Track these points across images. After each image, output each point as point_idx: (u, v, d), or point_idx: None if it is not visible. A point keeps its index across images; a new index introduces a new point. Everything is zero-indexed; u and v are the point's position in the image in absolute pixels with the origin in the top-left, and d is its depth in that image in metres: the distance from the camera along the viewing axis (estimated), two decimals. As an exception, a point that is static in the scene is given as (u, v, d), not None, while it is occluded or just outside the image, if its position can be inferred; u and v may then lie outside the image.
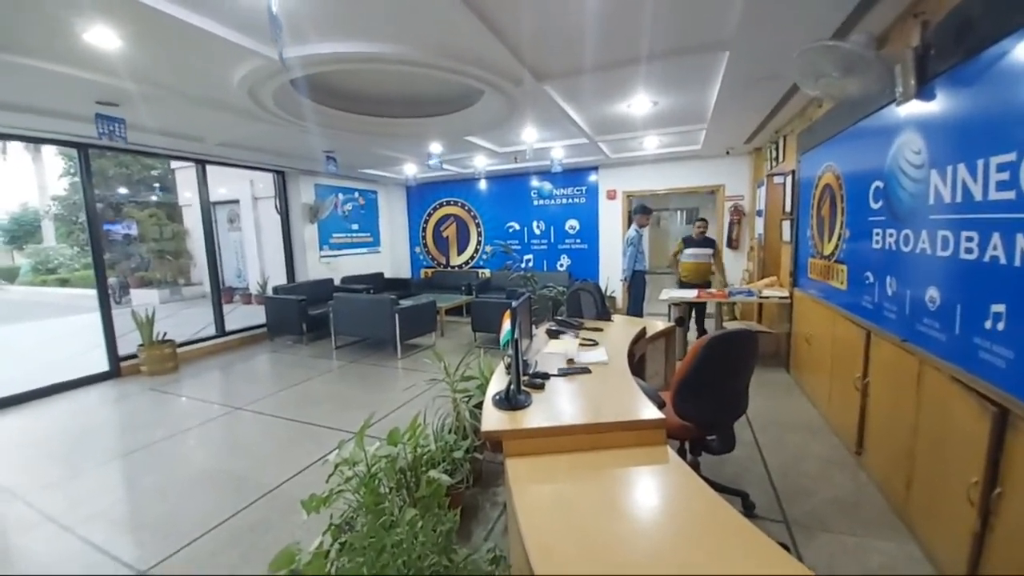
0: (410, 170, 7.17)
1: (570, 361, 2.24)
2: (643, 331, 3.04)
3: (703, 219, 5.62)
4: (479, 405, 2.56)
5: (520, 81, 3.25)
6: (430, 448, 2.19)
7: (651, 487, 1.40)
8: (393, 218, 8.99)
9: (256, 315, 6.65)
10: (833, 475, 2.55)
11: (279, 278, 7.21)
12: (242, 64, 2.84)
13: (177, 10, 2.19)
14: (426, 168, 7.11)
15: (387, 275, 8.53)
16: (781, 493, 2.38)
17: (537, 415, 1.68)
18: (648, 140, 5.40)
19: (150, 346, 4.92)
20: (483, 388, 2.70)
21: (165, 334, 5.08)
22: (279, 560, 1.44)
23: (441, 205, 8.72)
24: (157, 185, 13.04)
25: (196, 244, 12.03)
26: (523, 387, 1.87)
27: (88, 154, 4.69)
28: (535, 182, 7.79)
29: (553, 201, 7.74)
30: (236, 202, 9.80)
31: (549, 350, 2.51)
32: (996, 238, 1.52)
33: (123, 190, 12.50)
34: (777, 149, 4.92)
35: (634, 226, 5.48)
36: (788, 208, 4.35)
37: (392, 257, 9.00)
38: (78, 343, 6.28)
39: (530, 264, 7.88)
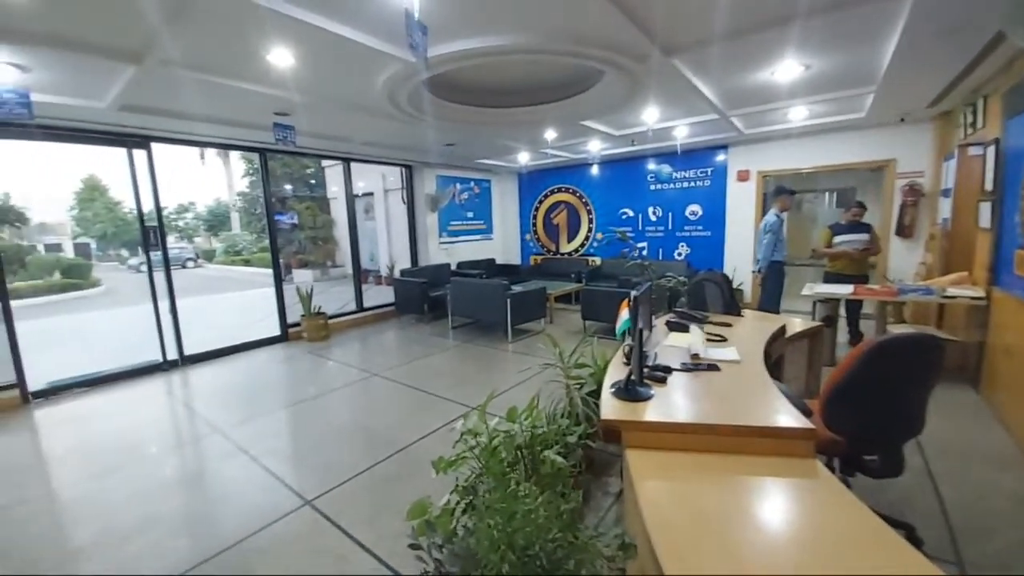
0: (523, 158, 7.30)
1: (695, 356, 2.11)
2: (782, 329, 2.71)
3: (860, 203, 4.74)
4: (591, 393, 2.54)
5: (646, 58, 3.07)
6: (544, 429, 2.25)
7: (796, 501, 1.25)
8: (505, 206, 9.29)
9: (386, 295, 7.46)
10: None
11: (404, 262, 7.97)
12: (386, 69, 3.16)
13: (337, 26, 2.50)
14: (539, 155, 7.17)
15: (498, 261, 8.88)
16: (957, 531, 1.96)
17: (659, 409, 1.62)
18: (794, 111, 4.70)
19: (309, 317, 5.85)
20: (596, 376, 2.67)
21: (320, 307, 5.99)
22: (415, 510, 1.62)
23: (552, 192, 8.74)
24: (313, 182, 15.30)
25: (340, 232, 13.90)
26: (644, 379, 1.81)
27: (266, 157, 5.67)
28: (652, 165, 7.35)
29: (672, 185, 7.23)
30: (371, 195, 11.03)
31: (669, 343, 2.39)
32: None
33: (287, 186, 14.92)
34: (975, 113, 3.90)
35: (773, 210, 4.86)
36: (989, 186, 3.45)
37: (503, 243, 9.34)
38: (257, 312, 7.73)
39: (644, 252, 7.52)
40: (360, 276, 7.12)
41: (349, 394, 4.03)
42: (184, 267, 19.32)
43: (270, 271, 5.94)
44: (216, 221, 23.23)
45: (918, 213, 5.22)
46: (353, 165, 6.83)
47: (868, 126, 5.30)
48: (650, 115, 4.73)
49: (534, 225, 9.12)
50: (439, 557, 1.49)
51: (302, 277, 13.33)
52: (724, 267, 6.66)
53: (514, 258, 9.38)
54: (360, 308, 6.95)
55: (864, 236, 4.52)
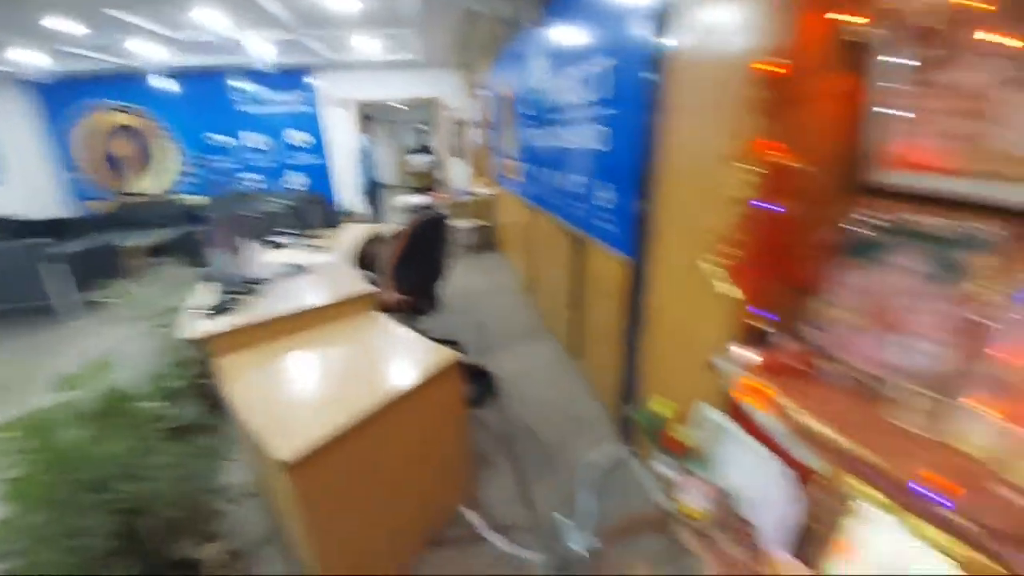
0: (29, 58, 4.87)
1: (291, 265, 2.31)
2: (379, 234, 3.32)
3: (423, 130, 6.10)
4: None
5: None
6: (148, 386, 1.97)
7: (359, 341, 1.73)
8: (14, 133, 6.11)
9: None
10: (517, 313, 3.57)
11: None
12: None
13: None
14: (66, 56, 4.97)
15: (23, 215, 5.94)
16: (489, 335, 3.21)
17: (249, 315, 1.74)
18: (368, 44, 5.16)
19: None
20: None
21: None
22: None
23: (103, 112, 6.38)
24: None
25: None
26: (233, 295, 1.87)
27: None
28: (247, 86, 6.47)
29: (269, 110, 6.68)
30: None
31: (270, 259, 2.49)
32: (570, 131, 2.29)
33: None
34: (479, 64, 5.51)
35: (365, 136, 5.43)
36: (490, 118, 5.10)
37: (24, 188, 6.27)
38: None
39: (262, 184, 6.83)
40: None
41: None
42: None
43: None
44: None
45: (463, 138, 7.08)
46: None
47: (426, 67, 6.49)
48: (211, 18, 4.07)
49: (80, 159, 6.51)
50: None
51: None
52: (333, 190, 6.96)
53: (54, 208, 6.50)
54: None
55: (429, 157, 5.84)
